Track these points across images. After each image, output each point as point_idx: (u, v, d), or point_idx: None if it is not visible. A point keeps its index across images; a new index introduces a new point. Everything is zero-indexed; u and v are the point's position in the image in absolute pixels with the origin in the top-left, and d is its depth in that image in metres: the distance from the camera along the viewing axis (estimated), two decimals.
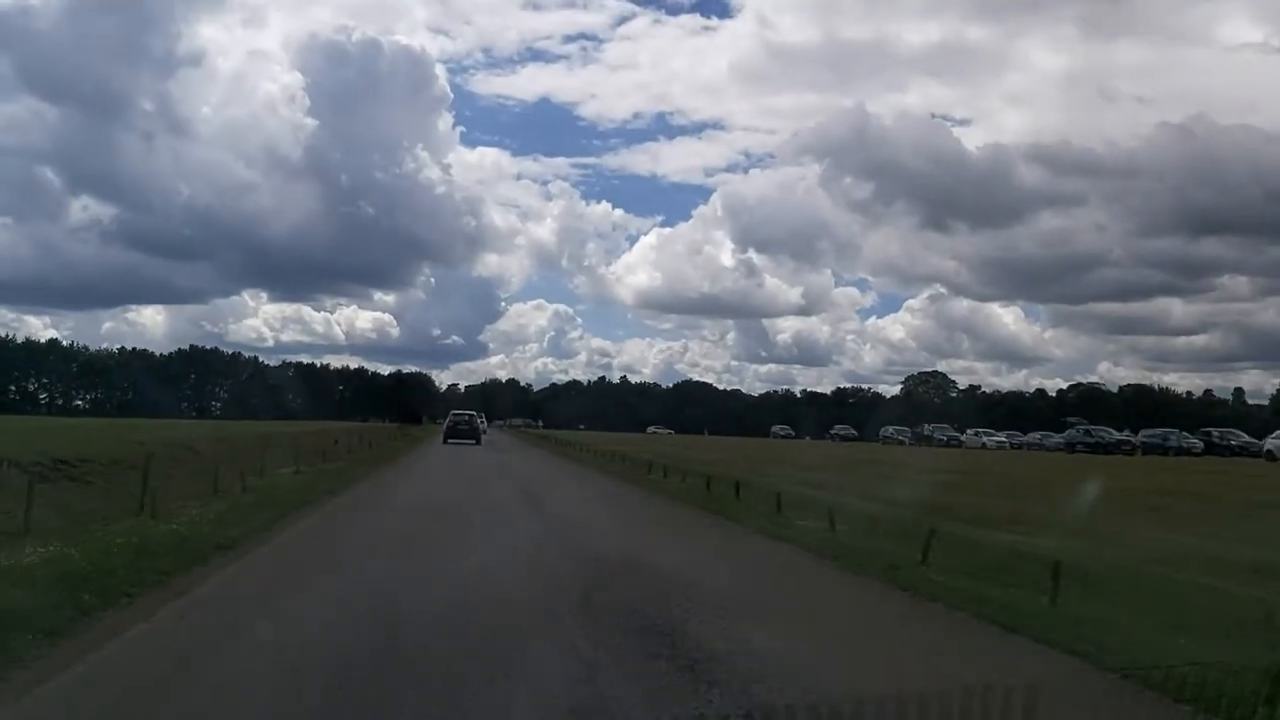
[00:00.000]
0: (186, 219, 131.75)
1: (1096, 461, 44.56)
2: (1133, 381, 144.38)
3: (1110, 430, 58.94)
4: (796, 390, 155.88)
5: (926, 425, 74.25)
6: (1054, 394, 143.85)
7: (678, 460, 30.62)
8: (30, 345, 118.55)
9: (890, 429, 77.20)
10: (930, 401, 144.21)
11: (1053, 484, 26.60)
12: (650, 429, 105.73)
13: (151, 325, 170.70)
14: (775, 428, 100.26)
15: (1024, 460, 46.16)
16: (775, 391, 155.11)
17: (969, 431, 71.35)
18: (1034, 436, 70.72)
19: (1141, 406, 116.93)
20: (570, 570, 9.94)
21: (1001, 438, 69.96)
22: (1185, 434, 57.97)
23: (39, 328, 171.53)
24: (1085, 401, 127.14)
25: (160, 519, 12.68)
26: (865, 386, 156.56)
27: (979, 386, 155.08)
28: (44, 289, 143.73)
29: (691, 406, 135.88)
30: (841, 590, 9.88)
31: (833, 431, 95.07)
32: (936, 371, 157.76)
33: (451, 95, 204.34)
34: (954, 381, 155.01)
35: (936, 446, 65.35)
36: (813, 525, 14.34)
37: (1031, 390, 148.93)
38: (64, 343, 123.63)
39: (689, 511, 17.17)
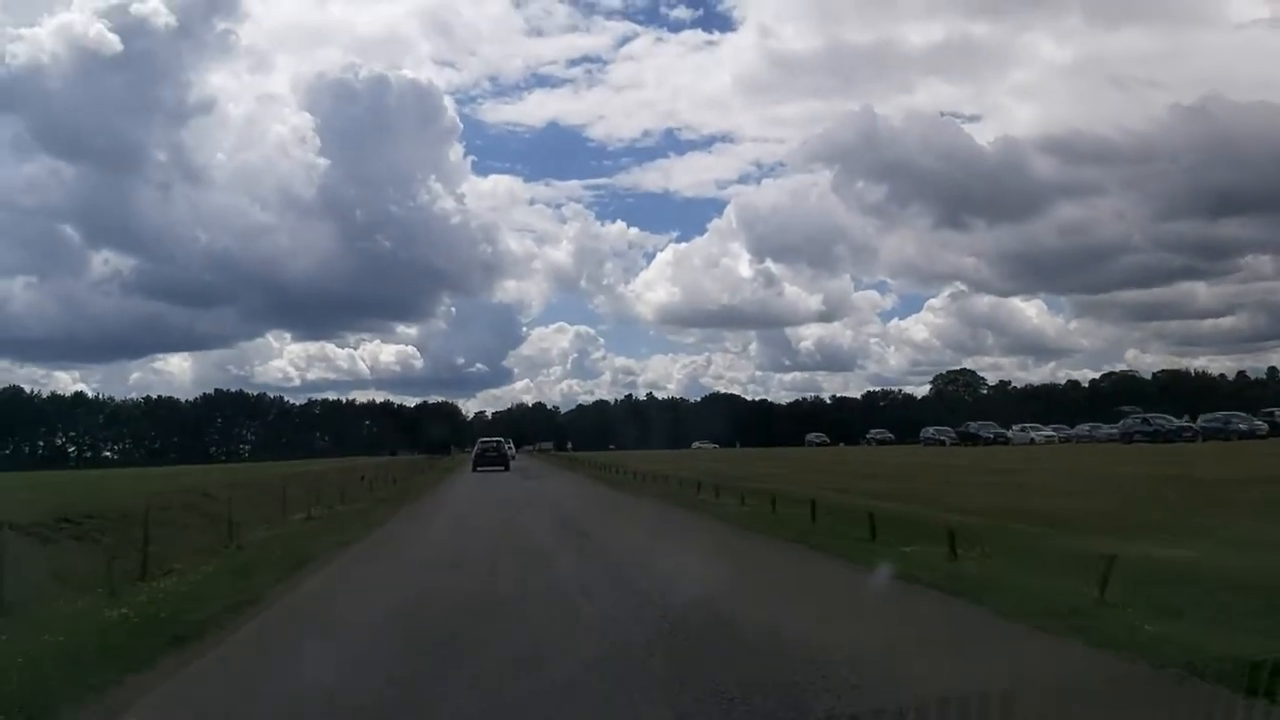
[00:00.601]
0: (206, 265, 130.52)
1: (1164, 451, 41.42)
2: (1163, 368, 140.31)
3: (1169, 418, 55.64)
4: (825, 397, 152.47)
5: (971, 423, 70.72)
6: (1086, 384, 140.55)
7: (726, 477, 27.89)
8: (56, 399, 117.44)
9: (930, 430, 73.83)
10: (962, 400, 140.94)
11: (1148, 480, 23.69)
12: (695, 444, 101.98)
13: (179, 373, 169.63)
14: (810, 436, 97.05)
15: (1088, 454, 42.98)
16: (804, 399, 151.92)
17: (1014, 427, 67.97)
18: (1083, 428, 67.47)
19: (1178, 392, 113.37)
20: (649, 641, 7.30)
21: (1049, 432, 66.72)
22: (1247, 416, 54.69)
23: (69, 382, 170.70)
24: (1119, 390, 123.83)
25: (121, 596, 10.05)
26: (895, 389, 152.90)
27: (1009, 382, 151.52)
28: (71, 343, 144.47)
29: (720, 419, 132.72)
30: (1017, 655, 6.94)
31: (869, 436, 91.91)
32: (965, 369, 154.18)
33: (461, 125, 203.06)
34: (983, 378, 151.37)
35: (983, 445, 62.19)
36: (922, 550, 11.63)
37: (1064, 382, 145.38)
38: (90, 395, 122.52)
39: (762, 541, 14.37)
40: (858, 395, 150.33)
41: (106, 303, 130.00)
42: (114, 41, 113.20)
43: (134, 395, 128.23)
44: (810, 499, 18.91)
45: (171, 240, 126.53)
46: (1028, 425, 68.56)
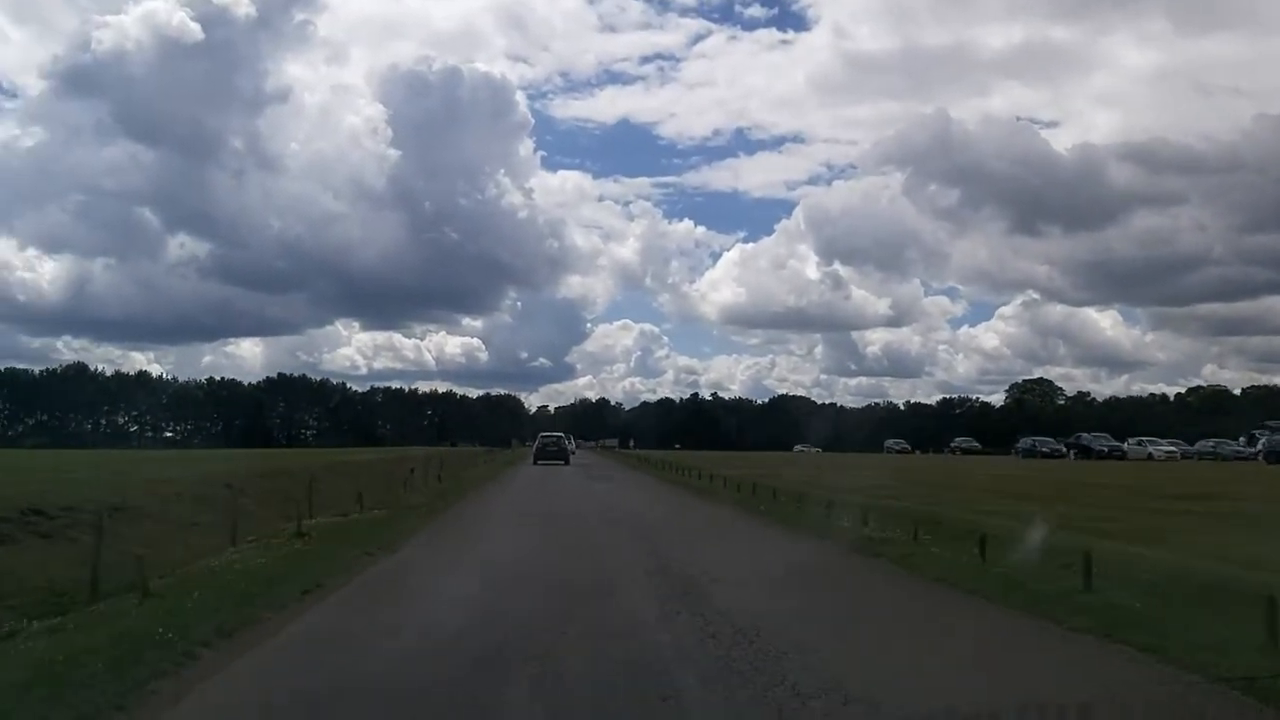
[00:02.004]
0: (279, 252, 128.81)
1: None
2: (1245, 384, 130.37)
3: None
4: (899, 403, 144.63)
5: (1083, 434, 62.65)
6: (1173, 398, 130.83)
7: (837, 491, 21.67)
8: (120, 378, 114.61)
9: (1030, 439, 66.31)
10: (1043, 409, 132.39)
11: None
12: (797, 448, 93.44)
13: (250, 357, 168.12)
14: (889, 442, 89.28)
15: (1252, 475, 35.75)
16: (876, 404, 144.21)
17: (1130, 441, 60.10)
18: (1205, 444, 59.73)
19: (1271, 409, 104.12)
20: None
21: (1169, 447, 58.86)
22: None
23: (143, 362, 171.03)
24: (1207, 405, 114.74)
25: None
26: (973, 396, 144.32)
27: (1087, 393, 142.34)
28: (147, 325, 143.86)
29: (788, 422, 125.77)
30: None
31: (953, 445, 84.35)
32: (1041, 379, 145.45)
33: (532, 120, 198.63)
34: (1060, 389, 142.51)
35: (1095, 458, 54.83)
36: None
37: (1146, 395, 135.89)
38: (153, 374, 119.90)
39: (1045, 632, 8.05)
40: (932, 402, 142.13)
41: (182, 286, 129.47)
42: (195, 30, 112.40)
43: (208, 376, 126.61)
44: (996, 534, 12.71)
45: (246, 226, 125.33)
46: (1145, 439, 60.67)
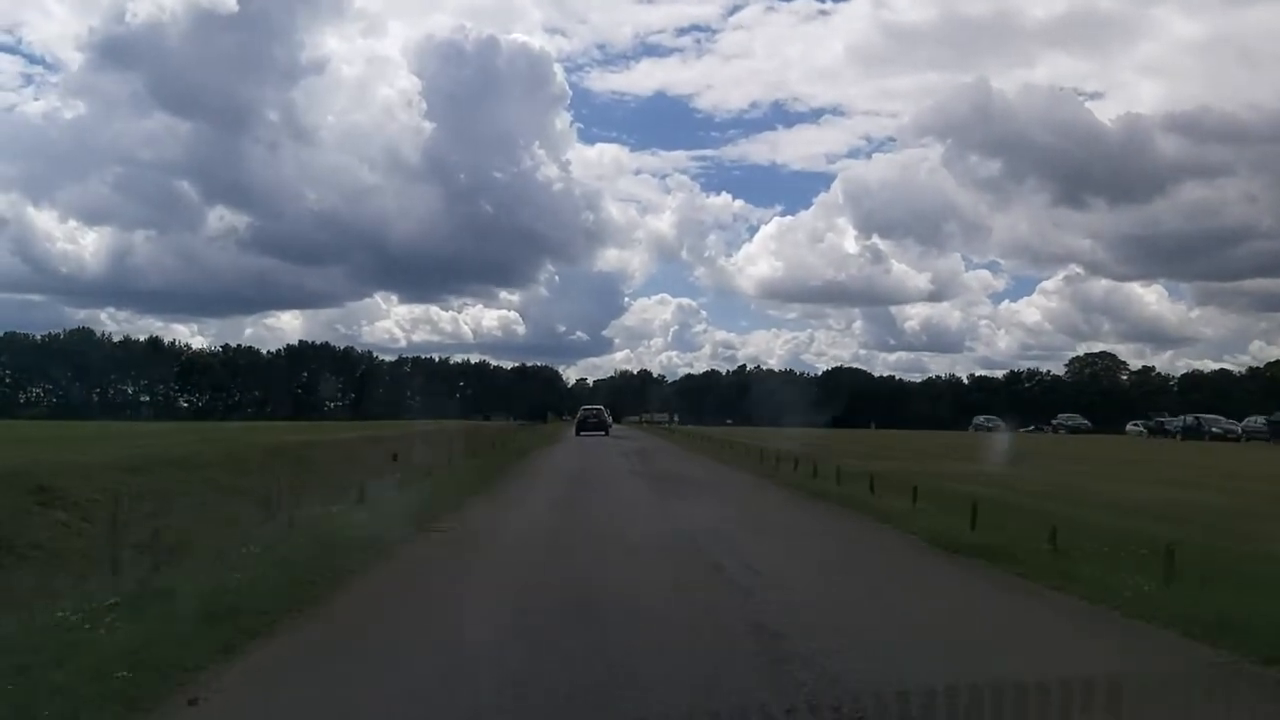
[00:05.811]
0: (316, 224, 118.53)
1: None
2: None
3: None
4: (963, 376, 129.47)
5: None
6: (1254, 372, 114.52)
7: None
8: (129, 344, 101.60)
9: (1189, 418, 51.38)
10: (1117, 385, 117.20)
11: None
12: (977, 420, 72.13)
13: (290, 329, 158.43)
14: (978, 419, 73.58)
15: None
16: (938, 378, 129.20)
17: None
18: None
19: None
20: None
21: None
22: None
23: (186, 335, 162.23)
24: None
25: None
26: (1042, 369, 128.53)
27: (1152, 368, 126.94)
28: (189, 297, 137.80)
29: (843, 397, 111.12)
30: None
31: (1056, 422, 69.25)
32: (1104, 352, 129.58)
33: (569, 93, 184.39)
34: (1125, 363, 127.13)
35: None
36: None
37: (1218, 370, 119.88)
38: (165, 342, 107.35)
39: None
40: (999, 375, 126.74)
41: (221, 258, 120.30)
42: (230, 1, 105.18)
43: (213, 345, 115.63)
44: None
45: (283, 198, 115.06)
46: None
